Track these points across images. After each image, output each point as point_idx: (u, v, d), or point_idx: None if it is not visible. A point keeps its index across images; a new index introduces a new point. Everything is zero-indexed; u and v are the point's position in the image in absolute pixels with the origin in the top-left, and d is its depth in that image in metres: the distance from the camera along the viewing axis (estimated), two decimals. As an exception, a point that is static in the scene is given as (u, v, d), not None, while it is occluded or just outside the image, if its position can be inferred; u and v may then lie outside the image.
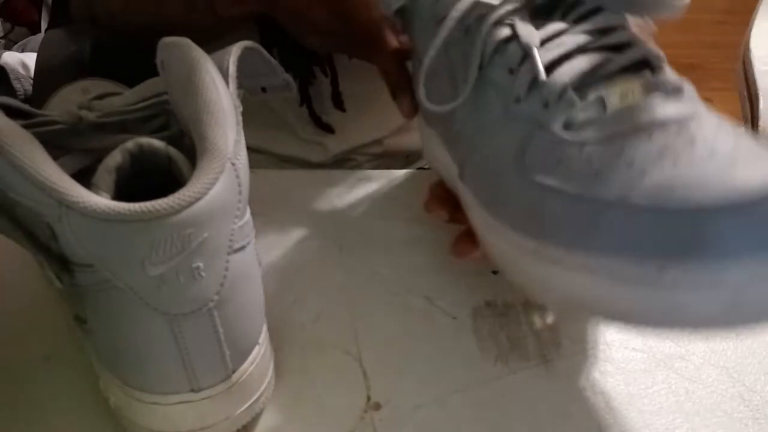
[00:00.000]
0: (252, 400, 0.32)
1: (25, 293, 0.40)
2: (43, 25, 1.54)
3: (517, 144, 0.32)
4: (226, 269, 0.28)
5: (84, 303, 0.28)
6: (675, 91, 0.30)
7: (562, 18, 0.33)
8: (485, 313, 0.40)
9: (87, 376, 0.35)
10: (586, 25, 0.32)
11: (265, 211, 0.46)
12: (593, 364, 0.37)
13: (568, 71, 0.31)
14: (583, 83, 0.31)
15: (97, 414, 0.33)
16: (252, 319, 0.30)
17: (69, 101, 0.37)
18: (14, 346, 0.37)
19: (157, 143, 0.29)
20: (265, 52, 0.35)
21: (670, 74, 0.32)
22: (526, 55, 0.32)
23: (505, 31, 0.33)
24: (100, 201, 0.25)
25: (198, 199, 0.25)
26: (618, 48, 0.32)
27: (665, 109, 0.29)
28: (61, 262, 0.28)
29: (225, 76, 0.30)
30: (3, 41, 1.53)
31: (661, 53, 0.33)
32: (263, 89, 0.37)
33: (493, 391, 0.35)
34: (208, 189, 0.26)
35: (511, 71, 0.32)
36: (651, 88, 0.30)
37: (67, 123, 0.35)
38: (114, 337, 0.28)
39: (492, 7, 0.33)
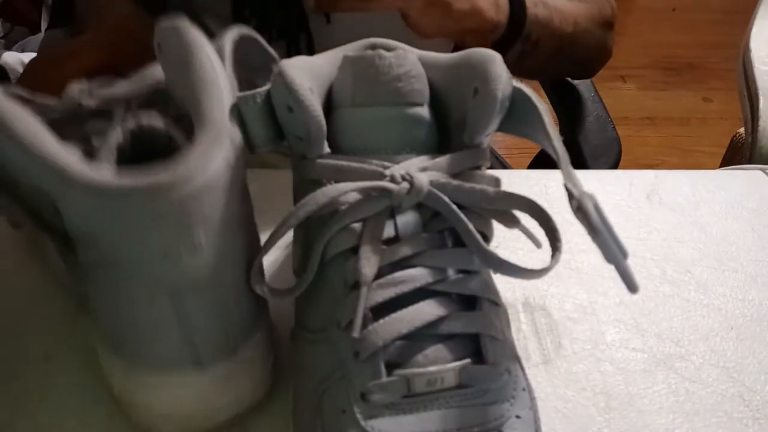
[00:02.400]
0: (255, 383, 0.31)
1: (25, 293, 0.40)
2: (43, 25, 1.54)
3: (318, 380, 0.29)
4: (228, 244, 0.27)
5: (87, 282, 0.28)
6: (487, 392, 0.27)
7: (424, 227, 0.29)
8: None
9: (87, 376, 0.35)
10: (439, 258, 0.28)
11: (266, 210, 0.46)
12: (593, 364, 0.37)
13: (387, 330, 0.27)
14: (397, 352, 0.27)
15: (97, 414, 0.33)
16: (255, 296, 0.30)
17: (68, 88, 0.37)
18: (14, 346, 0.37)
19: (157, 123, 0.29)
20: (262, 40, 0.34)
21: (496, 359, 0.28)
22: (359, 284, 0.28)
23: (351, 240, 0.29)
24: (101, 176, 0.25)
25: (198, 173, 0.25)
26: (462, 299, 0.29)
27: (466, 416, 0.27)
28: (64, 240, 0.28)
29: (222, 57, 0.30)
30: (3, 41, 1.53)
31: (501, 332, 0.29)
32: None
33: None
34: (208, 163, 0.25)
35: (346, 285, 0.29)
36: (463, 382, 0.27)
37: (66, 110, 0.35)
38: (117, 315, 0.28)
39: (345, 211, 0.29)
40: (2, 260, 0.42)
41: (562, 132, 0.79)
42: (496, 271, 0.29)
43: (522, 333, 0.39)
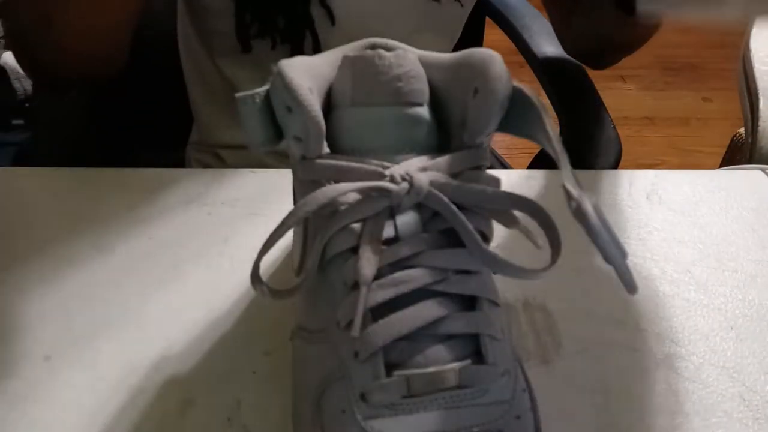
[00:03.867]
0: None
1: (25, 293, 0.40)
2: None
3: (318, 380, 0.29)
4: None
5: None
6: (487, 393, 0.27)
7: (424, 227, 0.29)
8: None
9: (87, 376, 0.35)
10: (439, 258, 0.28)
11: (266, 210, 0.46)
12: (593, 364, 0.37)
13: (387, 331, 0.27)
14: (397, 352, 0.27)
15: (97, 414, 0.33)
16: None
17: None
18: (14, 346, 0.37)
19: None
20: None
21: (496, 359, 0.28)
22: (358, 284, 0.28)
23: (351, 240, 0.29)
24: None
25: None
26: (462, 300, 0.29)
27: (466, 416, 0.26)
28: None
29: None
30: (3, 41, 1.53)
31: (501, 332, 0.29)
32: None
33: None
34: None
35: (345, 285, 0.29)
36: (463, 382, 0.27)
37: None
38: None
39: (344, 211, 0.28)
40: (4, 261, 0.42)
41: (562, 132, 0.79)
42: (496, 271, 0.29)
43: (522, 333, 0.39)
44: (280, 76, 0.28)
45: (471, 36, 0.67)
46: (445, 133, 0.31)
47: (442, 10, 0.60)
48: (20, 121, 1.28)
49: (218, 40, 0.60)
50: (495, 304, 0.30)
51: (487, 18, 0.91)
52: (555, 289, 0.42)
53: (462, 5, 0.61)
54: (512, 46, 0.86)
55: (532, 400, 0.29)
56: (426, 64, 0.31)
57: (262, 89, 0.29)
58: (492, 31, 0.90)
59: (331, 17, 0.55)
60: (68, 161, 0.52)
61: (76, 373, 0.35)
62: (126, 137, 0.77)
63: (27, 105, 1.30)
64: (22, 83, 1.30)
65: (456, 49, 0.67)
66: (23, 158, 1.10)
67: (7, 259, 0.42)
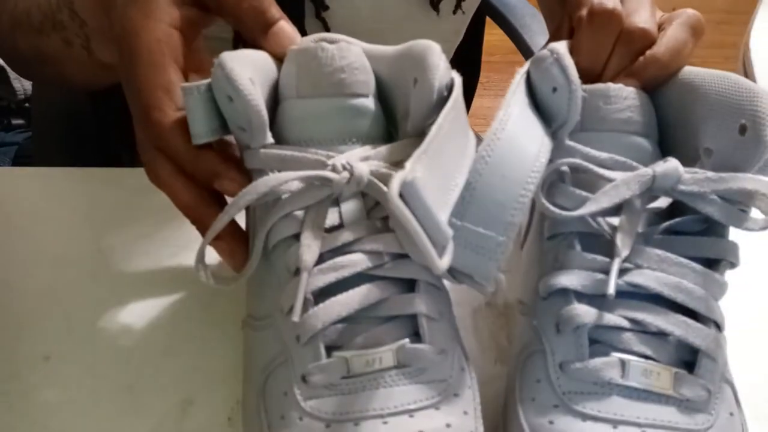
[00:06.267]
0: None
1: (25, 293, 0.40)
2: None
3: (263, 365, 0.30)
4: None
5: None
6: (425, 371, 0.28)
7: (368, 215, 0.30)
8: (485, 313, 0.40)
9: (87, 376, 0.35)
10: (378, 243, 0.29)
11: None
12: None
13: (327, 314, 0.28)
14: (338, 335, 0.28)
15: (96, 414, 0.34)
16: None
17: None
18: (14, 346, 0.37)
19: None
20: None
21: (434, 339, 0.29)
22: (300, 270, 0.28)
23: (293, 227, 0.29)
24: None
25: None
26: (402, 283, 0.29)
27: (404, 394, 0.27)
28: None
29: None
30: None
31: (439, 313, 0.29)
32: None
33: (494, 391, 0.35)
34: None
35: (288, 271, 0.29)
36: (401, 361, 0.28)
37: None
38: None
39: (286, 200, 0.29)
40: (4, 261, 0.42)
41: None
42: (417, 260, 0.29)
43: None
44: (221, 66, 0.29)
45: (471, 36, 0.67)
46: (394, 125, 0.32)
47: (441, 20, 0.60)
48: (20, 121, 1.27)
49: (219, 45, 0.59)
50: (435, 286, 0.30)
51: (487, 18, 0.91)
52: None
53: (463, 12, 0.61)
54: (512, 46, 0.86)
55: (471, 379, 0.30)
56: (371, 57, 0.32)
57: (205, 81, 0.30)
58: (492, 31, 0.90)
59: (327, 29, 0.55)
60: (68, 161, 0.52)
61: (76, 373, 0.35)
62: (126, 137, 0.78)
63: (27, 105, 1.30)
64: (22, 83, 1.29)
65: (456, 49, 0.67)
66: (23, 158, 1.09)
67: (7, 259, 0.42)
